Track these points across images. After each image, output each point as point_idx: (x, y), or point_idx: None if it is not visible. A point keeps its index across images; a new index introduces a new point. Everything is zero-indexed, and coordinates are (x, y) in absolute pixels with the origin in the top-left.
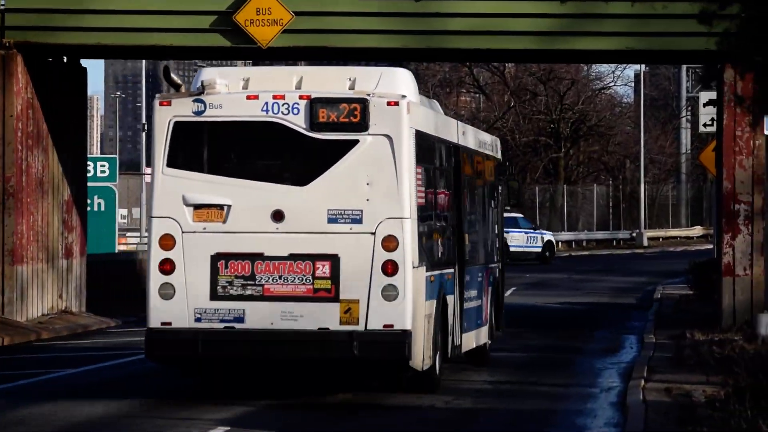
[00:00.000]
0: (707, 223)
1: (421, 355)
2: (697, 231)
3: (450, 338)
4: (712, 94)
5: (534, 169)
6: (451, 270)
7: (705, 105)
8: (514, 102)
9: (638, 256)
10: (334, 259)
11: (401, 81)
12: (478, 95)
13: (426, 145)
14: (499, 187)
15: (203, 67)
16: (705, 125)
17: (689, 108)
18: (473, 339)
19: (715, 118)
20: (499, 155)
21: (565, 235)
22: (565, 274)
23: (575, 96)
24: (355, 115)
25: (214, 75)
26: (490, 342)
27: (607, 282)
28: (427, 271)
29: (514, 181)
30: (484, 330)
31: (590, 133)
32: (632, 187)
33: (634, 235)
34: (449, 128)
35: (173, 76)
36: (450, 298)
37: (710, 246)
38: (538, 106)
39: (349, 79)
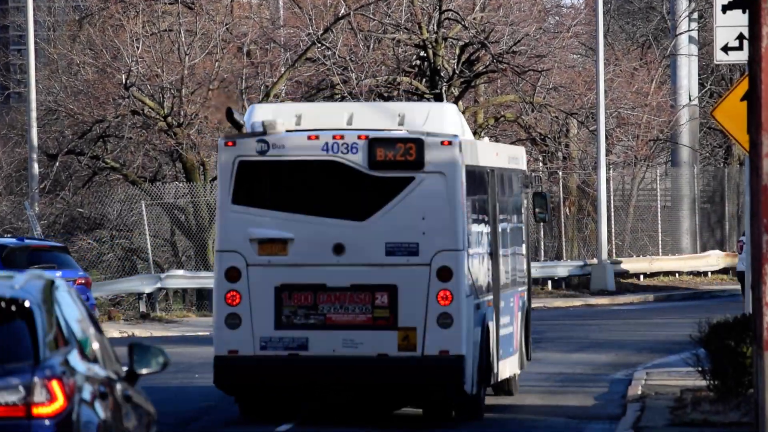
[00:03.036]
0: (733, 246)
1: (471, 380)
2: (712, 260)
3: (492, 366)
4: None
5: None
6: (490, 297)
7: (726, 8)
8: (347, 9)
9: (598, 311)
10: (392, 290)
11: (448, 117)
12: None
13: (473, 178)
14: (525, 202)
15: (256, 103)
16: (727, 49)
17: (693, 17)
18: (506, 368)
19: (747, 33)
20: (524, 166)
21: None
22: None
23: None
24: (411, 154)
25: (270, 114)
26: (519, 372)
27: (539, 364)
28: (474, 299)
29: (539, 193)
30: (515, 358)
31: (498, 70)
32: (584, 174)
33: (588, 269)
34: (488, 154)
35: (236, 116)
36: (491, 325)
37: (738, 290)
38: (394, 17)
39: (399, 116)
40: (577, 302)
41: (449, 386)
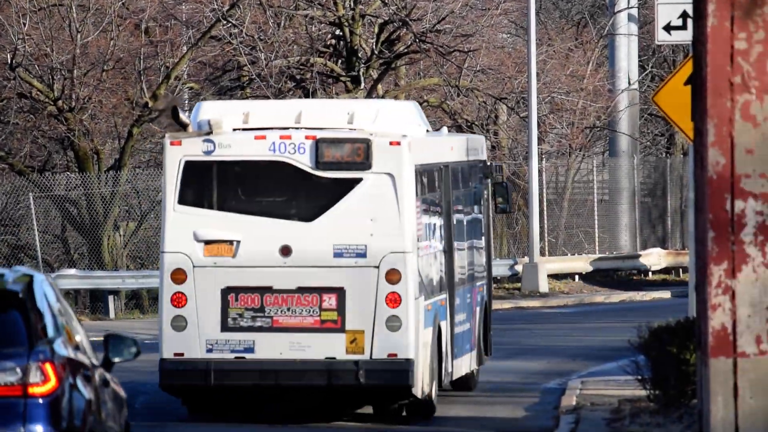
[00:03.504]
0: (676, 243)
1: (420, 382)
2: (654, 258)
3: (444, 365)
4: None
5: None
6: (444, 296)
7: None
8: None
9: (530, 314)
10: (340, 292)
11: (399, 115)
12: None
13: (424, 177)
14: (485, 193)
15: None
16: (669, 29)
17: None
18: (463, 366)
19: (692, 11)
20: (484, 156)
21: None
22: None
23: None
24: (358, 155)
25: (218, 112)
26: (478, 368)
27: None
28: (424, 300)
29: (500, 183)
30: (473, 355)
31: (420, 50)
32: (515, 164)
33: (519, 268)
34: (441, 149)
35: (182, 115)
36: (443, 324)
37: (683, 292)
38: None
39: (348, 114)
40: (507, 305)
41: (398, 390)
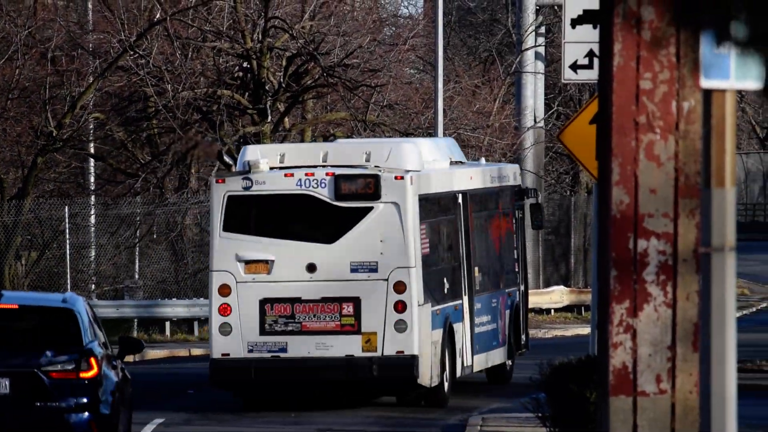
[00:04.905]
0: (579, 281)
1: (428, 374)
2: (556, 296)
3: (460, 360)
4: (592, 0)
5: (208, 157)
6: (459, 302)
7: (576, 23)
8: (163, 13)
9: None
10: (356, 301)
11: (407, 153)
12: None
13: (430, 204)
14: (517, 213)
15: (248, 144)
16: (576, 67)
17: (540, 32)
18: (486, 359)
19: (598, 50)
20: (516, 181)
21: None
22: None
23: (296, 2)
24: (370, 188)
25: (257, 155)
26: (509, 361)
27: (368, 407)
28: (432, 306)
29: (536, 205)
30: (501, 351)
31: (328, 84)
32: None
33: None
34: (454, 180)
35: (226, 157)
36: (458, 326)
37: (586, 330)
38: (215, 24)
39: (365, 153)
40: None
41: (405, 380)
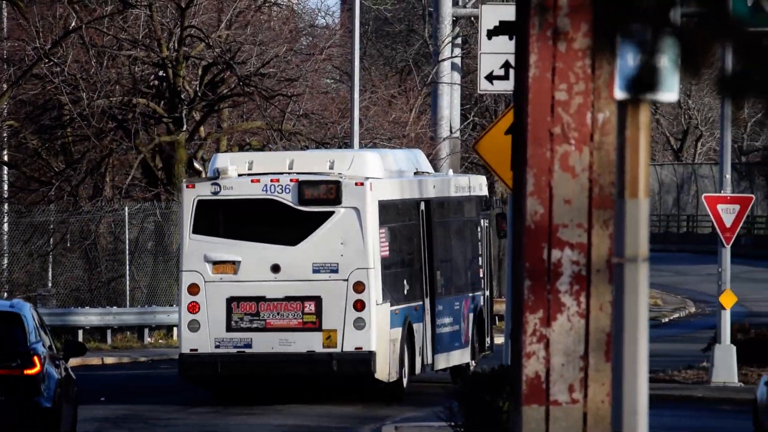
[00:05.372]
0: (493, 291)
1: (387, 370)
2: None
3: (419, 358)
4: (508, 11)
5: (123, 165)
6: (419, 303)
7: (492, 34)
8: (79, 21)
9: None
10: (317, 300)
11: (369, 162)
12: None
13: (390, 210)
14: (482, 222)
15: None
16: (492, 78)
17: (457, 42)
18: (448, 359)
19: (514, 61)
20: (482, 192)
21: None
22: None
23: (212, 11)
24: (331, 193)
25: (226, 162)
26: (473, 362)
27: (281, 415)
28: (391, 306)
29: (501, 214)
30: (463, 351)
31: (244, 93)
32: None
33: None
34: (415, 188)
35: (196, 164)
36: (418, 326)
37: (499, 339)
38: (131, 33)
39: (329, 161)
40: None
41: (363, 375)
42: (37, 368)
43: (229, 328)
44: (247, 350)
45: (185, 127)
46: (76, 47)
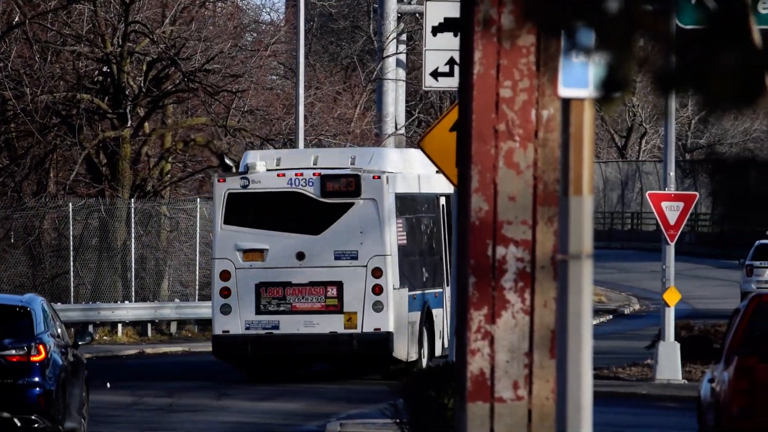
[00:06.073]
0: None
1: (405, 350)
2: None
3: (440, 341)
4: (453, 8)
5: (67, 161)
6: (439, 290)
7: (437, 30)
8: (22, 16)
9: None
10: (339, 285)
11: (387, 158)
12: None
13: (407, 202)
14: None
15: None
16: (437, 75)
17: (402, 39)
18: None
19: (459, 58)
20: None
21: (133, 311)
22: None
23: (157, 6)
24: (351, 186)
25: (255, 158)
26: None
27: (226, 412)
28: (409, 291)
29: None
30: None
31: (189, 89)
32: None
33: None
34: (434, 184)
35: (227, 160)
36: (437, 311)
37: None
38: (75, 28)
39: (350, 157)
40: None
41: (381, 354)
42: (42, 355)
43: (258, 311)
44: (275, 331)
45: (130, 123)
46: (19, 42)
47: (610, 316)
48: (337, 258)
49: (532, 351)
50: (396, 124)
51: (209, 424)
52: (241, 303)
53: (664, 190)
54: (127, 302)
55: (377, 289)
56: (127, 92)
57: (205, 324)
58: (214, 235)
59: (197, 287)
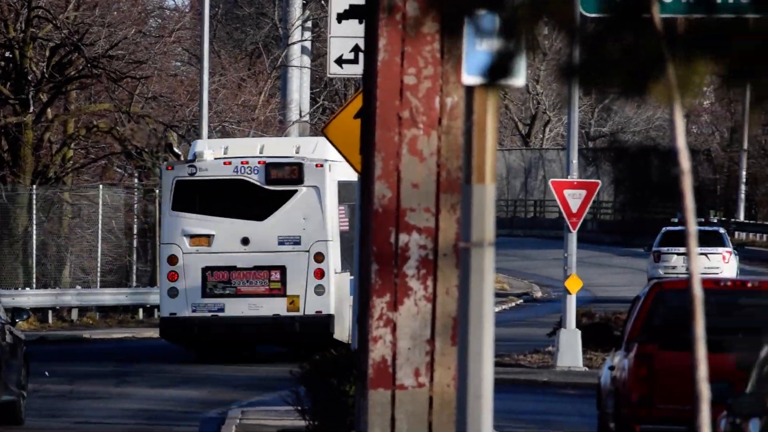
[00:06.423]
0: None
1: (346, 332)
2: None
3: None
4: None
5: None
6: None
7: (342, 17)
8: None
9: None
10: (282, 269)
11: (330, 147)
12: None
13: (348, 189)
14: None
15: (198, 139)
16: (341, 62)
17: (307, 26)
18: None
19: (363, 45)
20: None
21: (34, 298)
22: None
23: None
24: (294, 173)
25: (204, 147)
26: None
27: (126, 399)
28: (351, 275)
29: None
30: None
31: (92, 75)
32: None
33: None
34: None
35: (175, 149)
36: None
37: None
38: None
39: (295, 146)
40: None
41: (322, 336)
42: None
43: (204, 295)
44: (220, 314)
45: (32, 108)
46: None
47: (521, 300)
48: (280, 243)
49: (434, 338)
50: (300, 111)
51: (110, 412)
52: (187, 287)
53: (567, 178)
54: (28, 289)
55: (319, 274)
56: (29, 78)
57: (106, 311)
58: (163, 220)
59: (99, 274)
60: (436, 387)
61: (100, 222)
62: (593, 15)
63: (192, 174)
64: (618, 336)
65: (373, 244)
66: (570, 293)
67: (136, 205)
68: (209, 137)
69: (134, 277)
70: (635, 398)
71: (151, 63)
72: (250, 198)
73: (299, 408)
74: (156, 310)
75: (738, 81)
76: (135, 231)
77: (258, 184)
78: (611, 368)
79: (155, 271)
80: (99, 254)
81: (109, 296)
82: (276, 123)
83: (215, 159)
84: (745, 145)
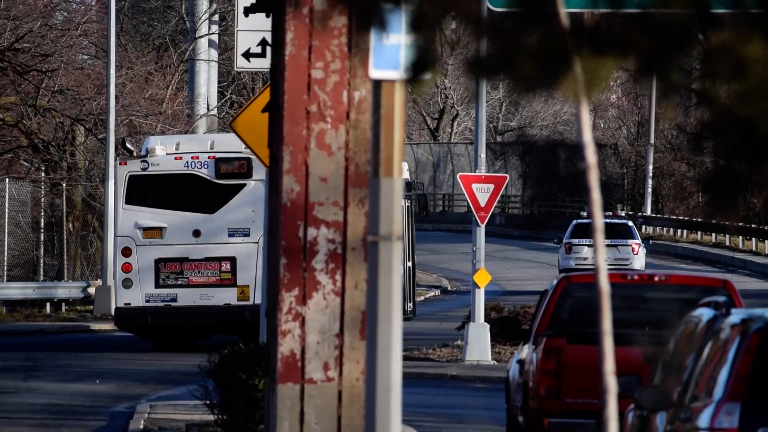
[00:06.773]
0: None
1: None
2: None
3: None
4: None
5: None
6: None
7: (249, 11)
8: None
9: (101, 338)
10: (233, 260)
11: None
12: None
13: None
14: (405, 201)
15: (151, 135)
16: (249, 56)
17: (215, 19)
18: None
19: (271, 39)
20: (405, 175)
21: None
22: None
23: None
24: (243, 168)
25: (156, 143)
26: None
27: (33, 394)
28: None
29: (422, 194)
30: None
31: None
32: (91, 186)
33: (92, 291)
34: None
35: (128, 145)
36: None
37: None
38: None
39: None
40: (77, 328)
41: None
42: None
43: (157, 285)
44: (173, 304)
45: None
46: None
47: (438, 292)
48: (230, 235)
49: (343, 332)
50: (208, 105)
51: (18, 407)
52: (141, 277)
53: (475, 172)
54: None
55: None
56: None
57: (13, 305)
58: (116, 214)
59: (6, 268)
60: (345, 381)
61: (6, 216)
62: (500, 9)
63: (144, 169)
64: (526, 330)
65: (281, 238)
66: (479, 287)
67: (43, 199)
68: (116, 131)
69: (41, 271)
70: (543, 392)
71: (57, 56)
72: (201, 192)
73: (207, 402)
74: (63, 304)
75: (644, 75)
76: (42, 225)
77: (208, 178)
78: (519, 362)
79: (62, 265)
80: (5, 248)
81: (16, 290)
82: (184, 117)
83: (167, 154)
84: (652, 140)
